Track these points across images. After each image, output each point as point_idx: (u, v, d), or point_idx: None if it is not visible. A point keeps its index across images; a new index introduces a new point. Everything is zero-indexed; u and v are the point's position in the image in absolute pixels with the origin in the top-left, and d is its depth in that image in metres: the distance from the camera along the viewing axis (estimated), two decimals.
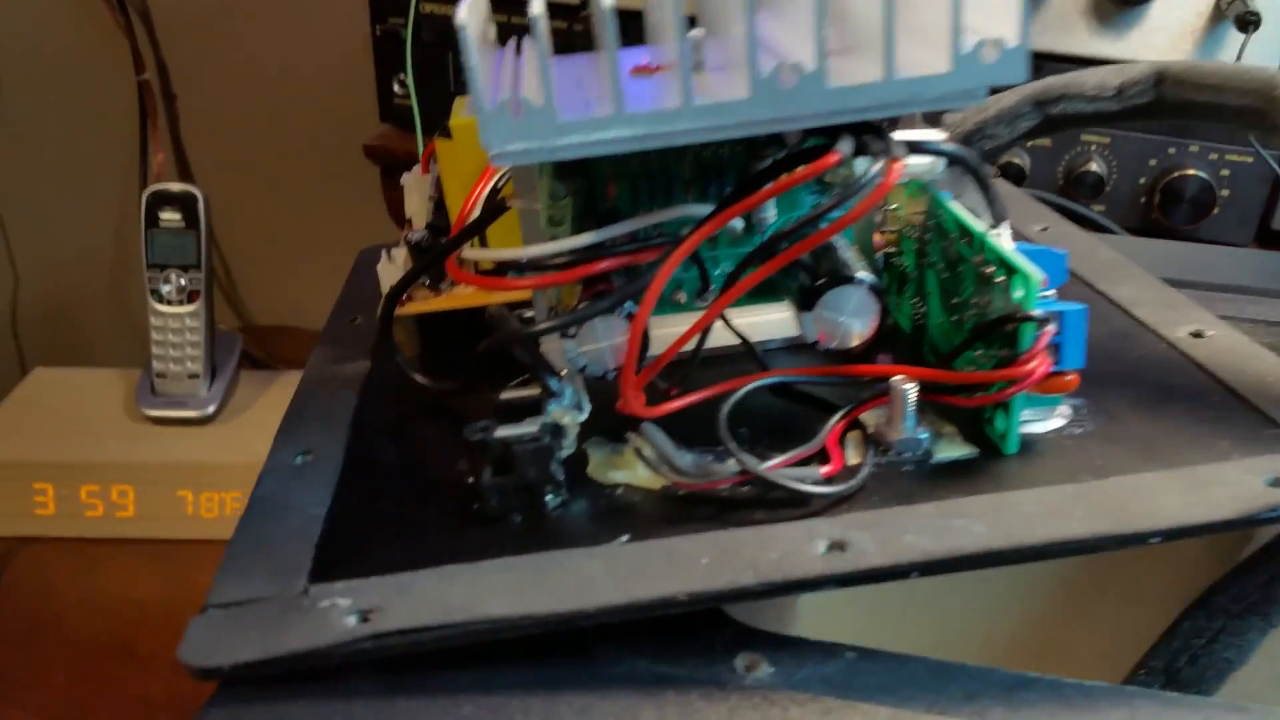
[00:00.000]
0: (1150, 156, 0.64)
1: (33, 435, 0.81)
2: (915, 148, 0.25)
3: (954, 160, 0.26)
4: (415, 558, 0.24)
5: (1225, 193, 0.64)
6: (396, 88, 0.80)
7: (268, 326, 1.26)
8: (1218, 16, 0.61)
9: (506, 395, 0.28)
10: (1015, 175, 0.64)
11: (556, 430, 0.26)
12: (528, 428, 0.26)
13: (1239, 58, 0.59)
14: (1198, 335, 0.31)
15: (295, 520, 0.26)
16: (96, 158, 1.22)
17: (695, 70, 0.27)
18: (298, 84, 1.15)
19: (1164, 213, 0.64)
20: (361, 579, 0.24)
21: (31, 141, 1.23)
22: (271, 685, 0.22)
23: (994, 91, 0.29)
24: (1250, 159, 0.64)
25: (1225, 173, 0.64)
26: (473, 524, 0.26)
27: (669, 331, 0.28)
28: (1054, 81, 0.28)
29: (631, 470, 0.27)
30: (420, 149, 0.55)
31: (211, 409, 0.82)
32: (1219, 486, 0.24)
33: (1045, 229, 0.39)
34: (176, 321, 0.83)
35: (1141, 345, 0.31)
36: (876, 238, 0.34)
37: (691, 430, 0.27)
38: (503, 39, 0.30)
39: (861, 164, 0.25)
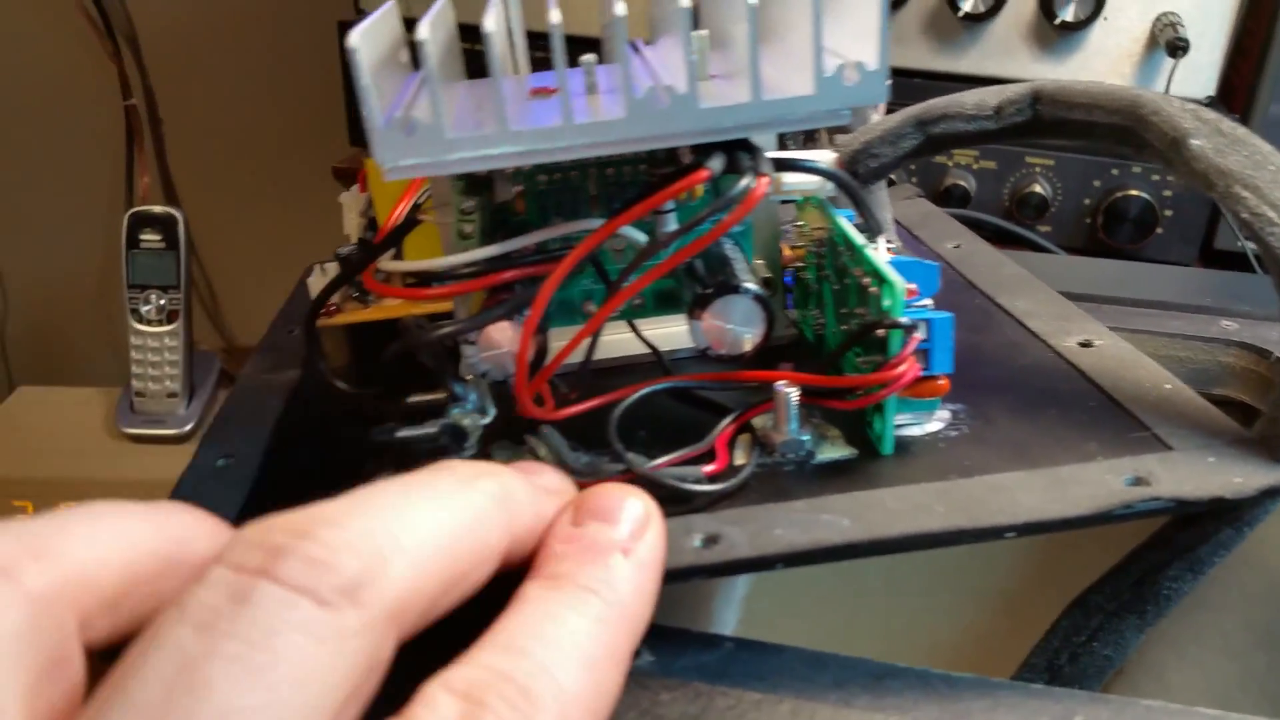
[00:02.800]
0: (1094, 178, 0.66)
1: (13, 453, 0.82)
2: (784, 165, 0.27)
3: (829, 178, 0.28)
4: None
5: (1168, 213, 0.66)
6: None
7: (249, 347, 1.28)
8: (1153, 43, 0.63)
9: (414, 399, 0.30)
10: (960, 197, 0.66)
11: (456, 432, 0.28)
12: (428, 429, 0.27)
13: (1169, 82, 0.61)
14: (1086, 345, 0.32)
15: None
16: (84, 181, 1.24)
17: (590, 93, 0.28)
18: (279, 108, 1.17)
19: (1108, 233, 0.66)
20: None
21: (20, 165, 1.25)
22: None
23: (890, 111, 0.31)
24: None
25: (1168, 193, 0.66)
26: None
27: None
28: (936, 103, 0.29)
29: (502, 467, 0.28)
30: None
31: (189, 427, 0.83)
32: (1078, 485, 0.25)
33: (958, 246, 0.41)
34: (156, 341, 0.84)
35: (1030, 354, 0.32)
36: (786, 252, 0.35)
37: (596, 434, 0.28)
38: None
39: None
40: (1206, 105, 0.63)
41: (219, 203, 1.19)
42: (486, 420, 0.29)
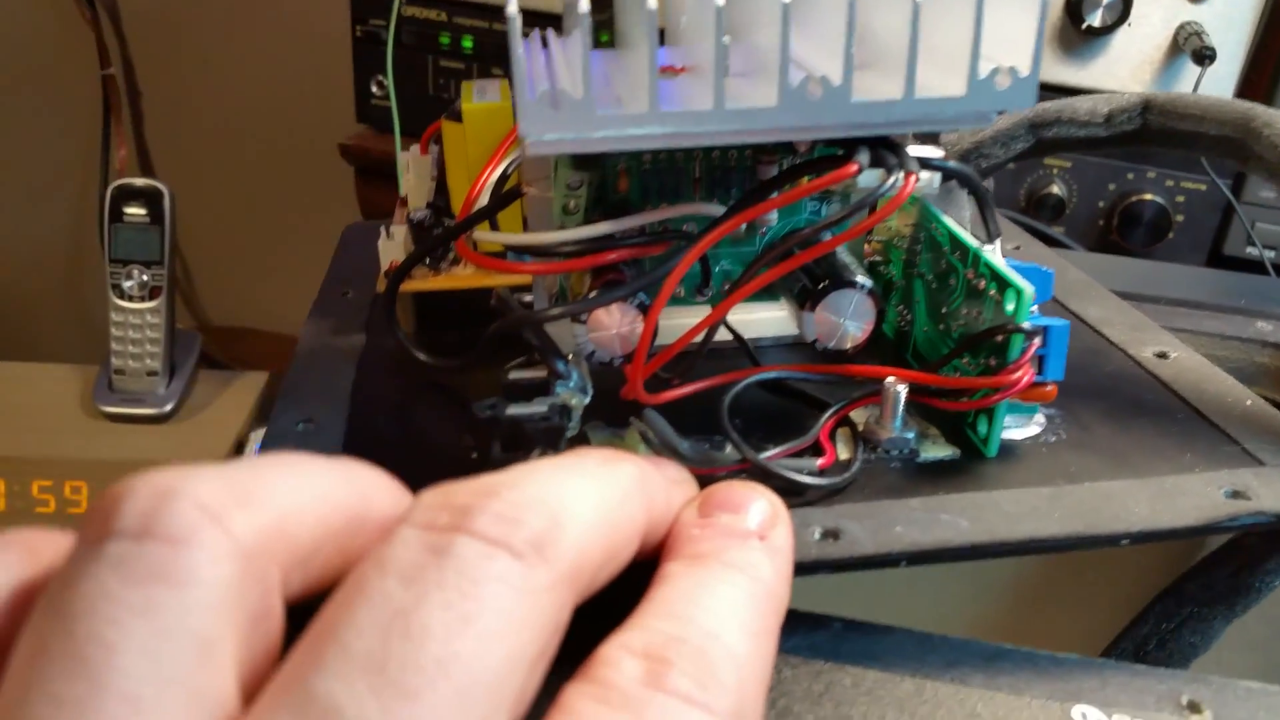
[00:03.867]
0: (1109, 181, 0.67)
1: None
2: (925, 164, 0.27)
3: (960, 178, 0.28)
4: None
5: (1180, 218, 0.67)
6: (375, 89, 0.80)
7: (226, 328, 1.24)
8: (1175, 49, 0.63)
9: (514, 375, 0.29)
10: None
11: (564, 411, 0.27)
12: (537, 407, 0.27)
13: (1195, 89, 0.62)
14: (1162, 356, 0.33)
15: None
16: (56, 152, 1.19)
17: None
18: (267, 82, 1.13)
19: (1122, 235, 0.67)
20: None
21: None
22: None
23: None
24: (1204, 186, 0.66)
25: (1180, 198, 0.67)
26: None
27: (667, 323, 0.30)
28: (1049, 107, 0.30)
29: (633, 454, 0.28)
30: (399, 149, 0.56)
31: (169, 407, 0.81)
32: (1183, 496, 0.26)
33: (1018, 247, 0.41)
34: (137, 318, 0.81)
35: (1111, 362, 0.33)
36: (865, 246, 0.35)
37: (686, 419, 0.28)
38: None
39: (866, 176, 0.26)
40: None
41: (198, 178, 1.15)
42: (587, 400, 0.29)
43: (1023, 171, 0.67)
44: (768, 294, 0.33)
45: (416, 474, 0.29)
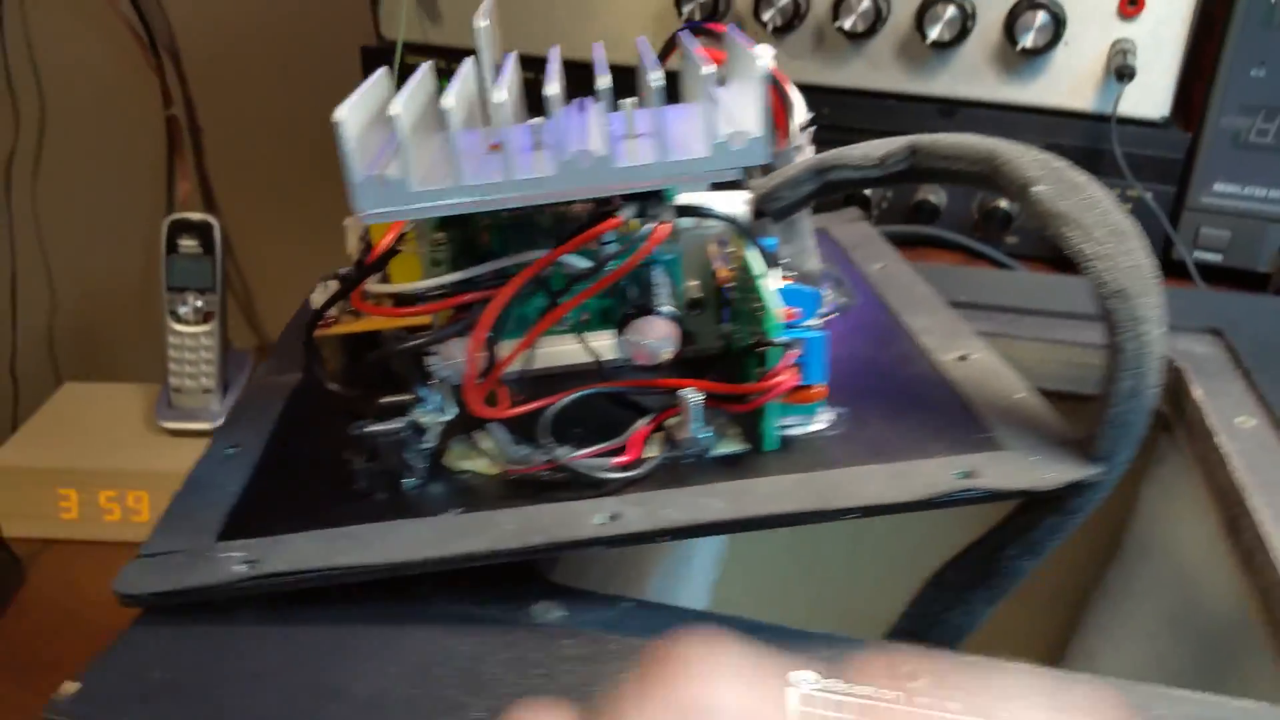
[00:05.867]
0: None
1: (60, 445, 0.88)
2: (686, 210, 0.32)
3: (718, 219, 0.33)
4: (298, 525, 0.31)
5: None
6: None
7: None
8: (1111, 66, 0.67)
9: (387, 400, 0.36)
10: (930, 213, 0.70)
11: (417, 428, 0.34)
12: (393, 425, 0.33)
13: (1115, 103, 0.65)
14: (963, 358, 0.37)
15: (215, 496, 0.34)
16: (128, 186, 1.32)
17: (536, 148, 0.34)
18: (308, 119, 1.23)
19: None
20: (255, 539, 0.31)
21: (69, 171, 1.33)
22: (179, 613, 0.30)
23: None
24: (1150, 193, 0.69)
25: (1127, 207, 0.70)
26: (346, 500, 0.33)
27: (542, 350, 0.35)
28: (829, 154, 0.35)
29: (475, 460, 0.34)
30: None
31: (223, 422, 0.89)
32: (916, 477, 0.30)
33: (883, 267, 0.46)
34: (192, 340, 0.90)
35: (915, 367, 0.37)
36: (723, 273, 0.41)
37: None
38: None
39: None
40: (1160, 125, 0.67)
41: (255, 207, 1.26)
42: (446, 418, 0.35)
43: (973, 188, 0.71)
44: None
45: (309, 484, 0.35)
